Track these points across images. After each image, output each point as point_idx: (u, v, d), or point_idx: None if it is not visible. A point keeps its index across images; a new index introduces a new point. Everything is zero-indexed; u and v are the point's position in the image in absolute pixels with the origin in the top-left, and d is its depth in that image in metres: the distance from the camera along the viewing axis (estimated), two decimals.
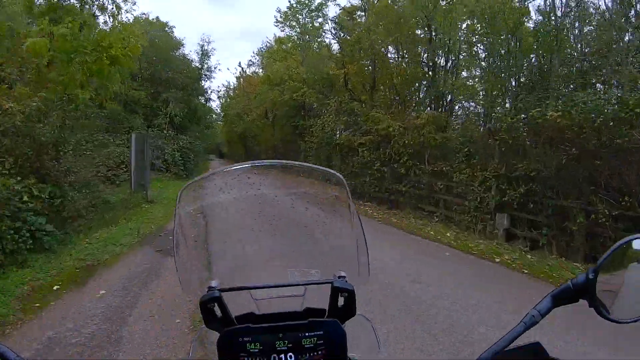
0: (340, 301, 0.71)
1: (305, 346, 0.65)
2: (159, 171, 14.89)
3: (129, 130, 13.47)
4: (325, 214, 0.84)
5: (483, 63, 11.22)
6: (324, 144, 13.80)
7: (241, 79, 28.82)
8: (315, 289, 0.76)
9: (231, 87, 32.69)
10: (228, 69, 69.52)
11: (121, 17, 7.84)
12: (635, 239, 0.62)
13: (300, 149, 16.50)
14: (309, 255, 0.88)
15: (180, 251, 0.80)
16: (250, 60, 31.94)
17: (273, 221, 0.83)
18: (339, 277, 0.73)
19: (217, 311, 0.68)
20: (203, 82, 23.19)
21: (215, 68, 24.23)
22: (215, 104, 38.17)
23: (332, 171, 0.82)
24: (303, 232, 0.85)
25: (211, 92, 25.20)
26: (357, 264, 0.80)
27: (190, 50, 36.71)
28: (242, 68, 28.37)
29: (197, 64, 22.72)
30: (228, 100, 32.99)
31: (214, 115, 39.00)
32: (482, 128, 10.14)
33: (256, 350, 0.64)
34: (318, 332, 0.66)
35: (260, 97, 21.25)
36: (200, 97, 22.89)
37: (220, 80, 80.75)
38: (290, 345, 0.65)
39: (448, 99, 11.86)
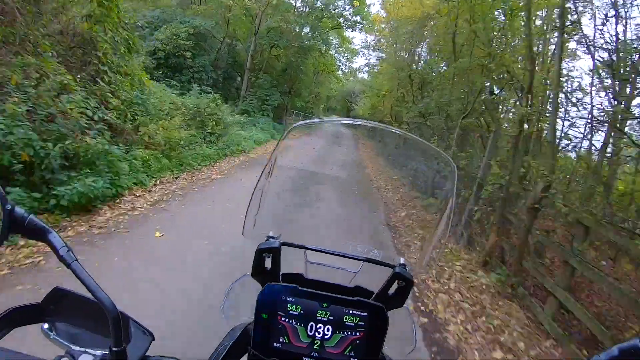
0: (393, 289, 0.67)
1: (346, 323, 0.63)
2: None
3: None
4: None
5: None
6: None
7: None
8: (367, 268, 0.73)
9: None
10: None
11: None
12: None
13: None
14: (370, 233, 0.84)
15: (255, 196, 0.76)
16: None
17: (345, 192, 0.80)
18: (401, 264, 0.69)
19: (267, 262, 0.67)
20: None
21: None
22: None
23: (445, 155, 0.74)
24: (368, 209, 0.81)
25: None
26: (424, 255, 0.75)
27: None
28: None
29: None
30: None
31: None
32: None
33: (296, 313, 0.62)
34: (362, 313, 0.63)
35: None
36: None
37: None
38: (332, 318, 0.63)
39: None
